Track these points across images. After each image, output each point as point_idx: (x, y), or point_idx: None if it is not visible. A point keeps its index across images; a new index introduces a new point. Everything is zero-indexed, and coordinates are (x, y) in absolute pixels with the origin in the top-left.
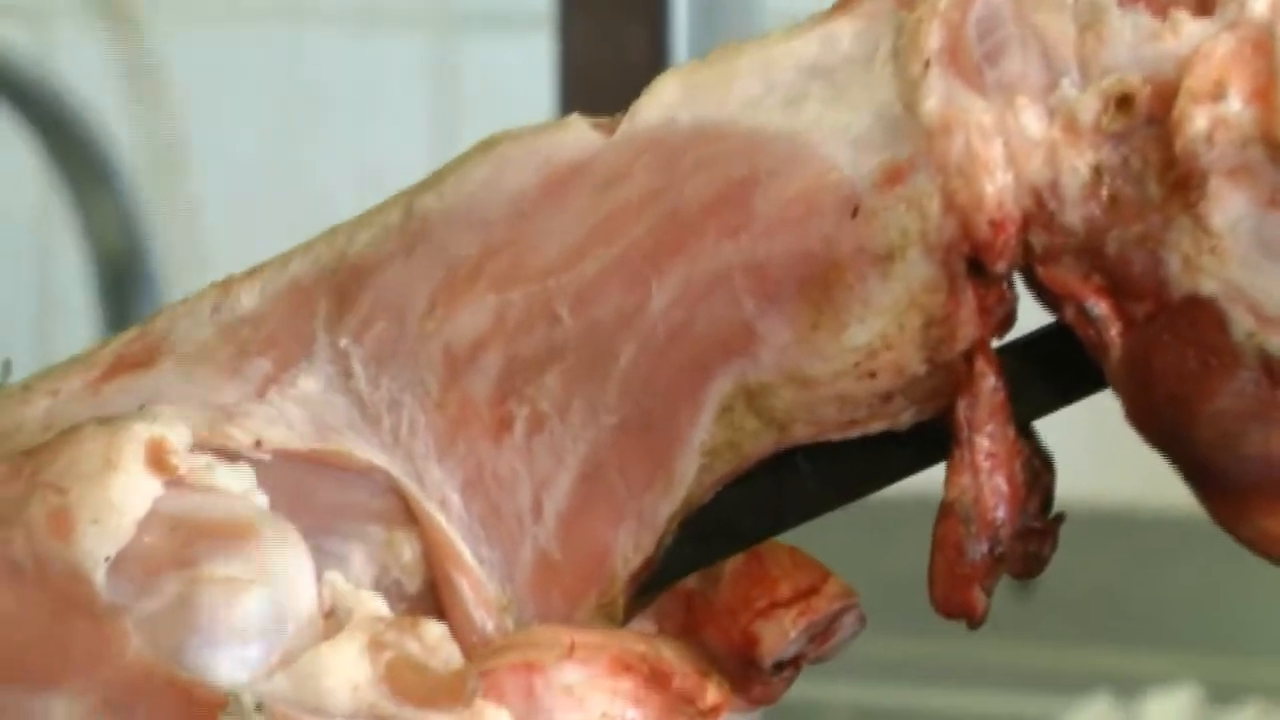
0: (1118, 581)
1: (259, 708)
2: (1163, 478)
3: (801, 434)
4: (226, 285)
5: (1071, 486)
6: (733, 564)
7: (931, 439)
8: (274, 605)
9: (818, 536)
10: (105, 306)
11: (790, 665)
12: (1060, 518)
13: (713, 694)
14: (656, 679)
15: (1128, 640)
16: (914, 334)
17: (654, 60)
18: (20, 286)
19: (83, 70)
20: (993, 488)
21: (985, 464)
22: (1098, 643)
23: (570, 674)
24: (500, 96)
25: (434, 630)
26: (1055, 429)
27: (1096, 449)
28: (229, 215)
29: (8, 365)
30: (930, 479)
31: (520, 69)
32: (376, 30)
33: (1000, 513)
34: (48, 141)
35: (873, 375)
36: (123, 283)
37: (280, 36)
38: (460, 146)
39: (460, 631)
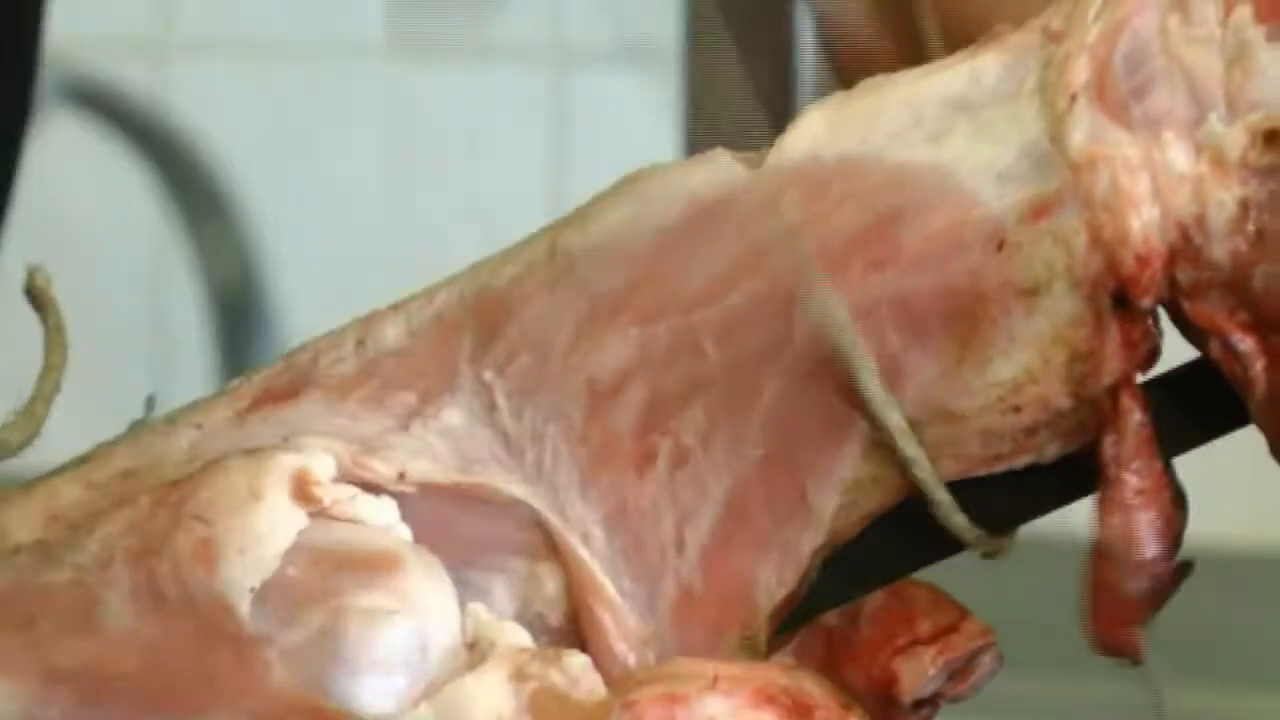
0: (1229, 621)
1: None
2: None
3: (947, 470)
4: (370, 320)
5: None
6: (873, 601)
7: (1077, 471)
8: (418, 636)
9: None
10: (220, 340)
11: (929, 704)
12: (1188, 568)
13: None
14: (799, 711)
15: (1238, 680)
16: (1059, 369)
17: (779, 94)
18: (135, 319)
19: (199, 105)
20: (1145, 523)
21: (1135, 501)
22: (1207, 682)
23: (713, 705)
24: (615, 131)
25: (577, 661)
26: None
27: (1214, 487)
28: (344, 250)
29: (151, 401)
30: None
31: (635, 103)
32: (492, 65)
33: (1154, 550)
34: (164, 176)
35: (1017, 410)
36: (237, 317)
37: (395, 71)
38: (576, 182)
39: (602, 664)
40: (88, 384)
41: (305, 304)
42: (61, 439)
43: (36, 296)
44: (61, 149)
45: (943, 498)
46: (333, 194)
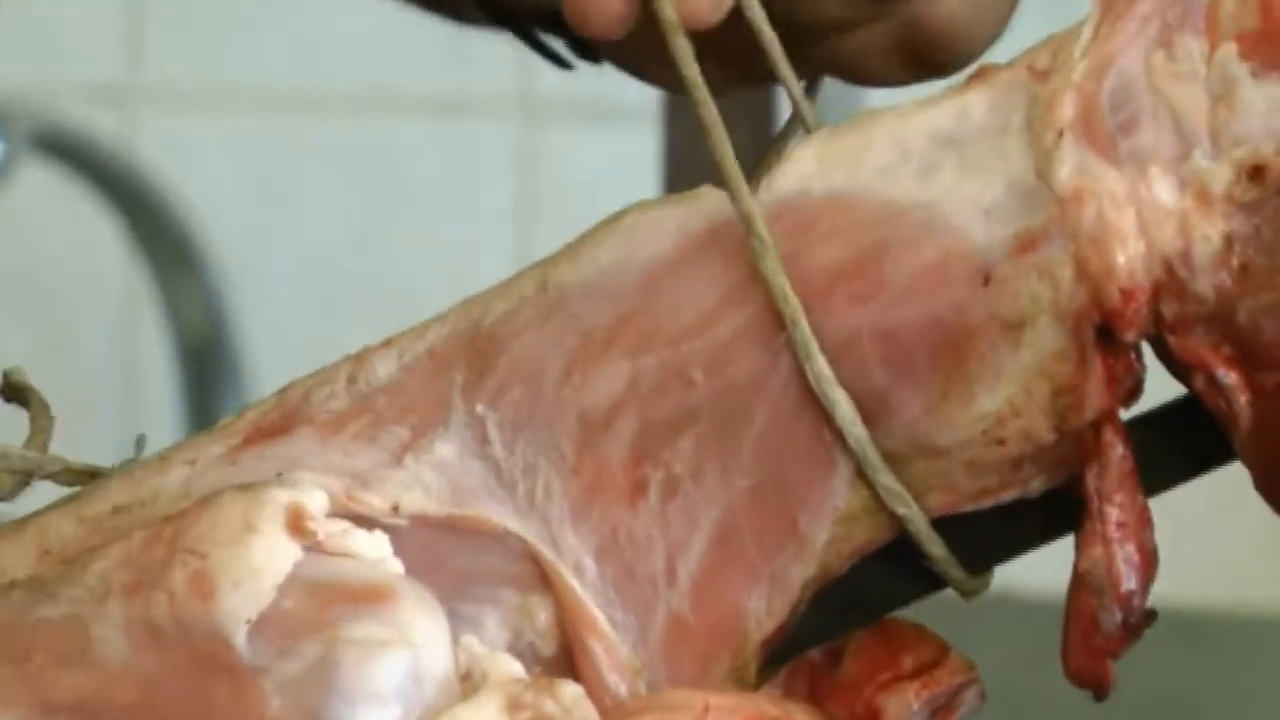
0: (1195, 684)
1: None
2: (1243, 579)
3: (936, 503)
4: (361, 356)
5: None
6: (857, 637)
7: (1061, 508)
8: (412, 666)
9: None
10: (189, 390)
11: None
12: (1153, 615)
13: None
14: None
15: None
16: (1042, 402)
17: (758, 162)
18: (105, 369)
19: (167, 155)
20: (1125, 557)
21: (1116, 534)
22: None
23: None
24: (584, 187)
25: (570, 691)
26: None
27: (1181, 550)
28: (312, 302)
29: (141, 441)
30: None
31: (604, 158)
32: (461, 120)
33: (1133, 583)
34: (133, 225)
35: (1001, 443)
36: (206, 367)
37: (363, 125)
38: (547, 237)
39: (594, 695)
40: (57, 432)
41: (273, 354)
42: (34, 486)
43: (17, 393)
44: (31, 197)
45: (925, 532)
46: (301, 245)
